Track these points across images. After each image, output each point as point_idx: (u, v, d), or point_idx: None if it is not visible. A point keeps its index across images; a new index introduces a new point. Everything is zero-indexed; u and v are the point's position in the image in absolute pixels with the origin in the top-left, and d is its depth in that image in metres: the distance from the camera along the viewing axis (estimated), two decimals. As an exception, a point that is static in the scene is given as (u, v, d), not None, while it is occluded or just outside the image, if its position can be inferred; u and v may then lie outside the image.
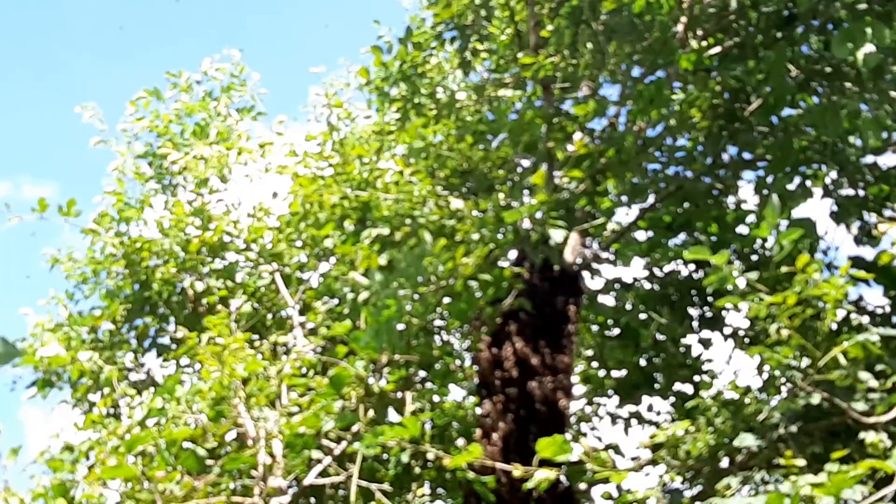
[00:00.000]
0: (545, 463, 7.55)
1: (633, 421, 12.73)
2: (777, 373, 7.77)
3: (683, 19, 11.09)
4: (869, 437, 6.98)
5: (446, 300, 9.41)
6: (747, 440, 8.14)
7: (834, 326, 9.38)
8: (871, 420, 7.46)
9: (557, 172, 10.74)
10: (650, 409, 12.70)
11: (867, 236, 10.97)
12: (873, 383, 7.38)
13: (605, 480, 8.12)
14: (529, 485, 7.48)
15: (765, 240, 11.27)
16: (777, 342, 7.26)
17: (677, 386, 12.45)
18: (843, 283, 6.98)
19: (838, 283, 6.92)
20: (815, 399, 7.77)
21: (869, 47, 9.00)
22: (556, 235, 9.56)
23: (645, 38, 10.31)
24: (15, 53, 38.38)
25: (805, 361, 7.58)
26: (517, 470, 7.65)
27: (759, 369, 8.89)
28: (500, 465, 8.61)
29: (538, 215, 9.84)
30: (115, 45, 40.55)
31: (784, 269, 7.13)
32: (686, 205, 11.77)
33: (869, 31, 9.05)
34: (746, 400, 9.39)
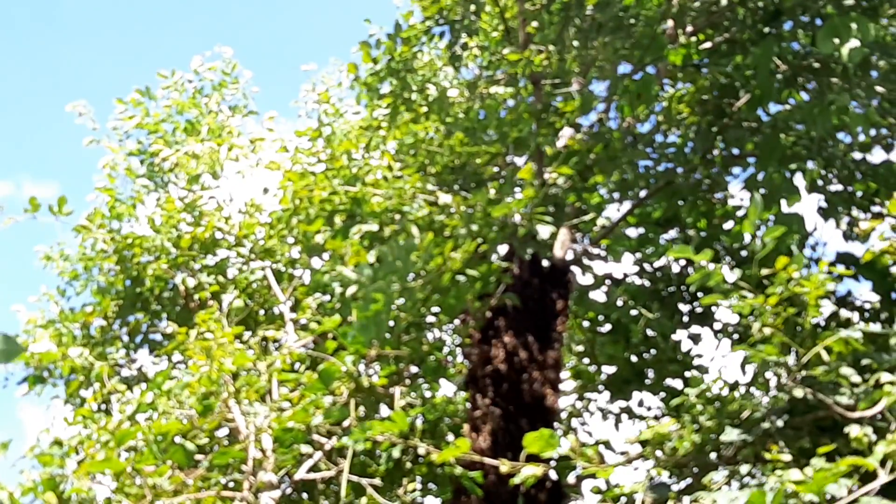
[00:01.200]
0: (533, 458, 7.58)
1: (624, 416, 12.77)
2: (761, 369, 7.80)
3: (672, 15, 11.12)
4: (853, 431, 7.00)
5: (435, 295, 9.44)
6: (733, 435, 8.18)
7: (822, 323, 9.44)
8: (856, 414, 7.49)
9: (547, 168, 10.77)
10: (641, 404, 12.74)
11: (863, 239, 10.99)
12: (856, 379, 7.41)
13: (594, 475, 8.15)
14: (516, 480, 7.51)
15: (753, 236, 11.29)
16: (761, 339, 7.29)
17: (668, 381, 12.49)
18: (824, 279, 7.00)
19: (819, 280, 6.95)
20: (799, 393, 7.79)
21: (853, 42, 9.03)
22: (543, 231, 9.59)
23: (632, 34, 10.34)
24: (13, 53, 38.37)
25: (791, 358, 7.62)
26: (504, 465, 7.69)
27: (743, 366, 8.93)
28: (488, 461, 8.64)
29: (526, 210, 9.88)
30: (110, 43, 40.57)
31: (765, 270, 7.17)
32: (675, 201, 11.80)
33: (854, 26, 9.07)
34: (736, 394, 9.41)
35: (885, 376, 7.26)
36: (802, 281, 7.01)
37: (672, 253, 7.17)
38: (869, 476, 6.84)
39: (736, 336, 11.87)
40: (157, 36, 41.14)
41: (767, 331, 7.22)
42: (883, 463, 6.45)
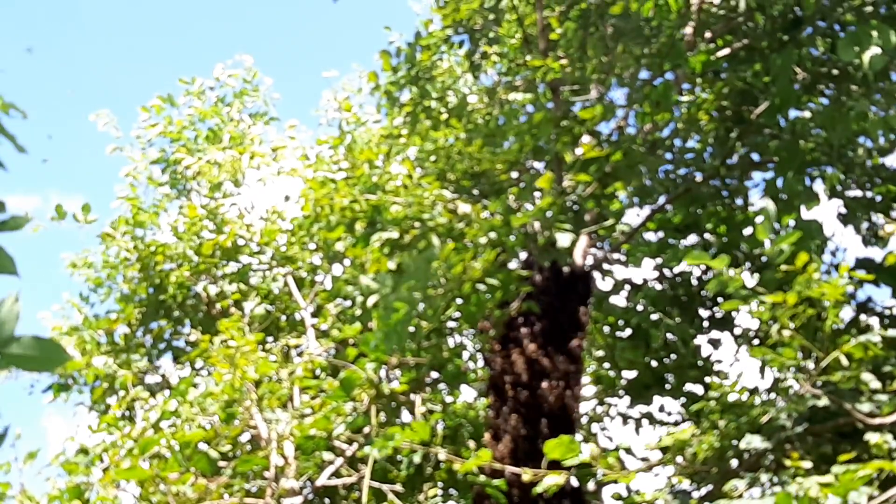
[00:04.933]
0: (554, 465, 7.62)
1: (645, 421, 12.77)
2: (781, 374, 7.81)
3: (692, 22, 11.14)
4: (873, 438, 7.02)
5: (455, 303, 9.48)
6: (754, 441, 8.19)
7: (841, 328, 9.43)
8: (877, 421, 7.50)
9: (566, 175, 10.79)
10: (661, 409, 12.74)
11: (875, 237, 10.99)
12: (875, 385, 7.41)
13: (615, 481, 8.20)
14: (538, 489, 7.55)
15: (774, 243, 11.29)
16: (779, 343, 7.30)
17: (688, 386, 12.48)
18: (844, 283, 7.02)
19: (838, 283, 6.96)
20: (822, 401, 7.81)
21: (874, 50, 9.04)
22: (563, 239, 9.62)
23: (652, 42, 10.37)
24: (38, 66, 38.65)
25: (810, 363, 7.63)
26: (527, 474, 7.73)
27: (762, 370, 8.93)
28: (509, 468, 8.68)
29: (546, 218, 9.91)
30: (133, 53, 40.82)
31: (784, 267, 7.17)
32: (694, 207, 11.80)
33: (875, 33, 9.09)
34: (756, 401, 9.41)
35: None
36: (822, 284, 7.02)
37: (689, 260, 7.17)
38: (889, 483, 6.85)
39: (756, 342, 11.86)
40: (178, 44, 41.38)
41: (786, 333, 7.22)
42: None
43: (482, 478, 8.54)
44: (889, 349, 7.99)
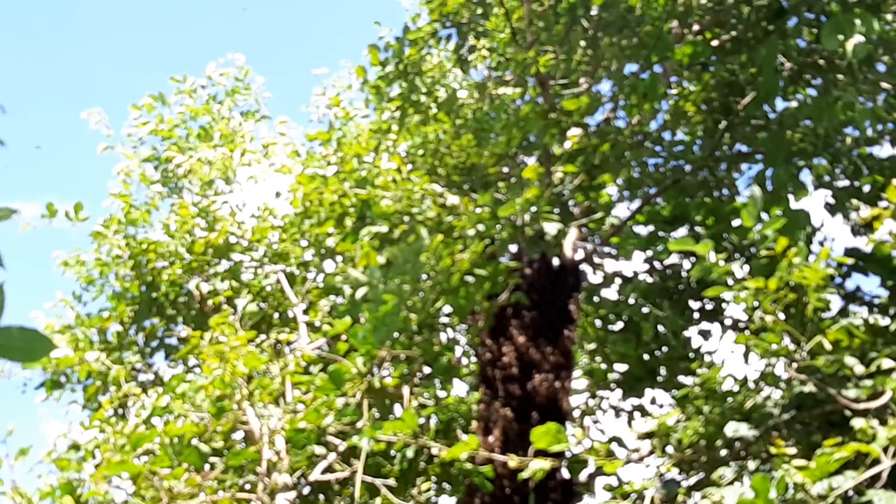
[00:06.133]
0: (542, 454, 7.65)
1: (637, 414, 12.81)
2: (765, 360, 7.83)
3: (678, 13, 11.17)
4: (857, 423, 7.03)
5: (444, 296, 9.51)
6: (741, 429, 8.21)
7: (829, 315, 9.44)
8: (862, 406, 7.52)
9: (555, 168, 10.83)
10: (653, 401, 12.78)
11: (863, 227, 11.02)
12: (859, 369, 7.43)
13: (603, 469, 8.22)
14: (524, 475, 7.58)
15: (762, 236, 11.32)
16: (762, 329, 7.33)
17: (679, 378, 12.52)
18: (824, 266, 7.05)
19: (818, 267, 6.99)
20: (807, 387, 7.83)
21: (858, 38, 9.07)
22: (550, 229, 9.66)
23: (637, 34, 10.41)
24: (33, 70, 38.67)
25: (797, 349, 7.65)
26: (513, 460, 7.76)
27: (746, 357, 8.95)
28: (497, 456, 8.72)
29: (533, 209, 9.94)
30: (125, 52, 40.85)
31: (764, 253, 7.20)
32: (683, 199, 11.84)
33: (858, 22, 9.12)
34: (738, 388, 9.41)
35: (885, 362, 7.28)
36: (803, 268, 7.05)
37: (673, 246, 7.20)
38: (875, 467, 6.88)
39: (747, 332, 11.88)
40: (170, 43, 41.41)
41: (769, 318, 7.25)
42: (885, 449, 6.50)
43: (469, 466, 8.58)
44: (874, 335, 8.02)
